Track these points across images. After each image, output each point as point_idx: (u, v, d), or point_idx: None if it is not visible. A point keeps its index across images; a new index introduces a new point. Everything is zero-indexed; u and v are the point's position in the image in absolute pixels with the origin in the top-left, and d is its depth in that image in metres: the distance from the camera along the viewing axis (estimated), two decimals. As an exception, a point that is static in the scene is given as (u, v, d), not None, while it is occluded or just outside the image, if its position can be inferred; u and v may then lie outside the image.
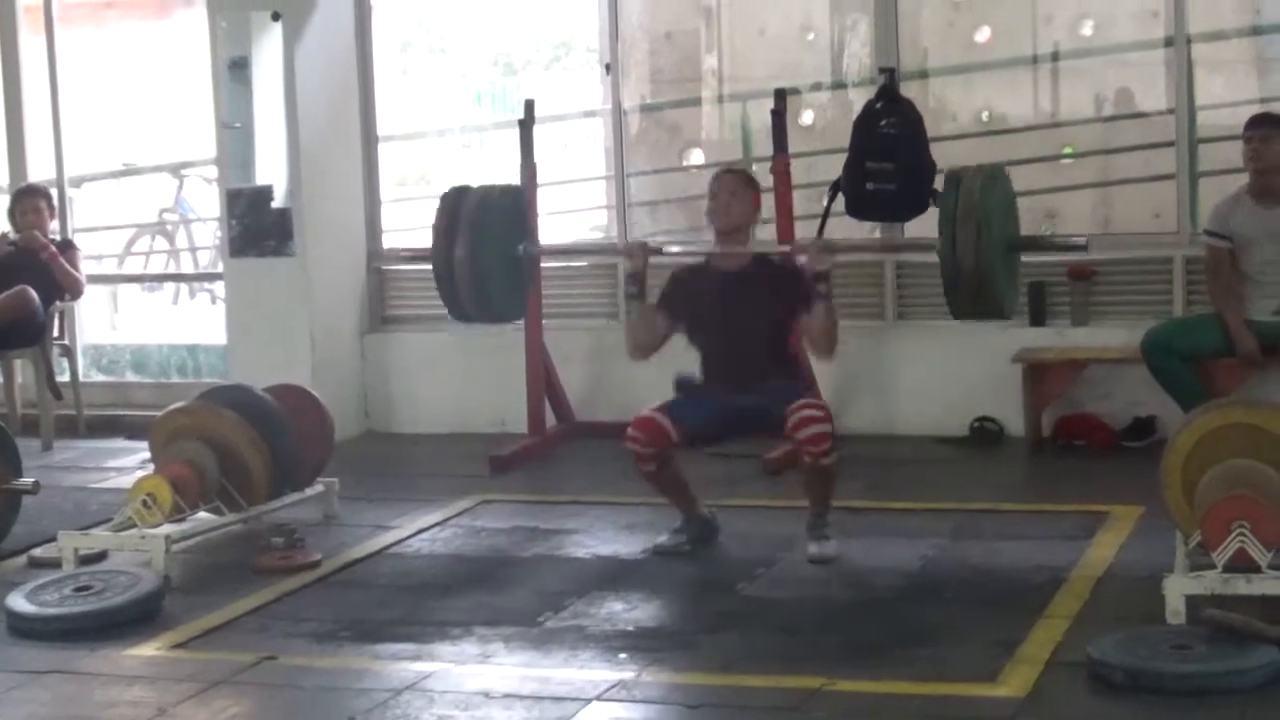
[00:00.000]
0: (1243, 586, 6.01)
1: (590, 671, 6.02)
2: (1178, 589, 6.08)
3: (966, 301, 6.96)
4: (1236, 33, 10.48)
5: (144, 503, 7.38)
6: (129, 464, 9.63)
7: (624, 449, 7.29)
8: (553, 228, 10.63)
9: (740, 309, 7.30)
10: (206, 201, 13.96)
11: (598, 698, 5.74)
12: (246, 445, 7.74)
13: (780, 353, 7.40)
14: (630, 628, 6.50)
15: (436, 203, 7.74)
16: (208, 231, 14.50)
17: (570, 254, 10.55)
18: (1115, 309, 9.50)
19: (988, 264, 6.80)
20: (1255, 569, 6.01)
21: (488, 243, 7.64)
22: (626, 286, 7.60)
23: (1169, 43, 9.66)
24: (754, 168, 10.31)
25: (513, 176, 9.41)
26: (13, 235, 10.44)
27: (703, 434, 7.41)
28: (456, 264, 7.60)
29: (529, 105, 9.59)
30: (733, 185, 7.45)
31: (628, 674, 5.97)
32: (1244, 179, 8.84)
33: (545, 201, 9.70)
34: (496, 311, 7.96)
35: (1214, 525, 6.06)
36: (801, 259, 7.30)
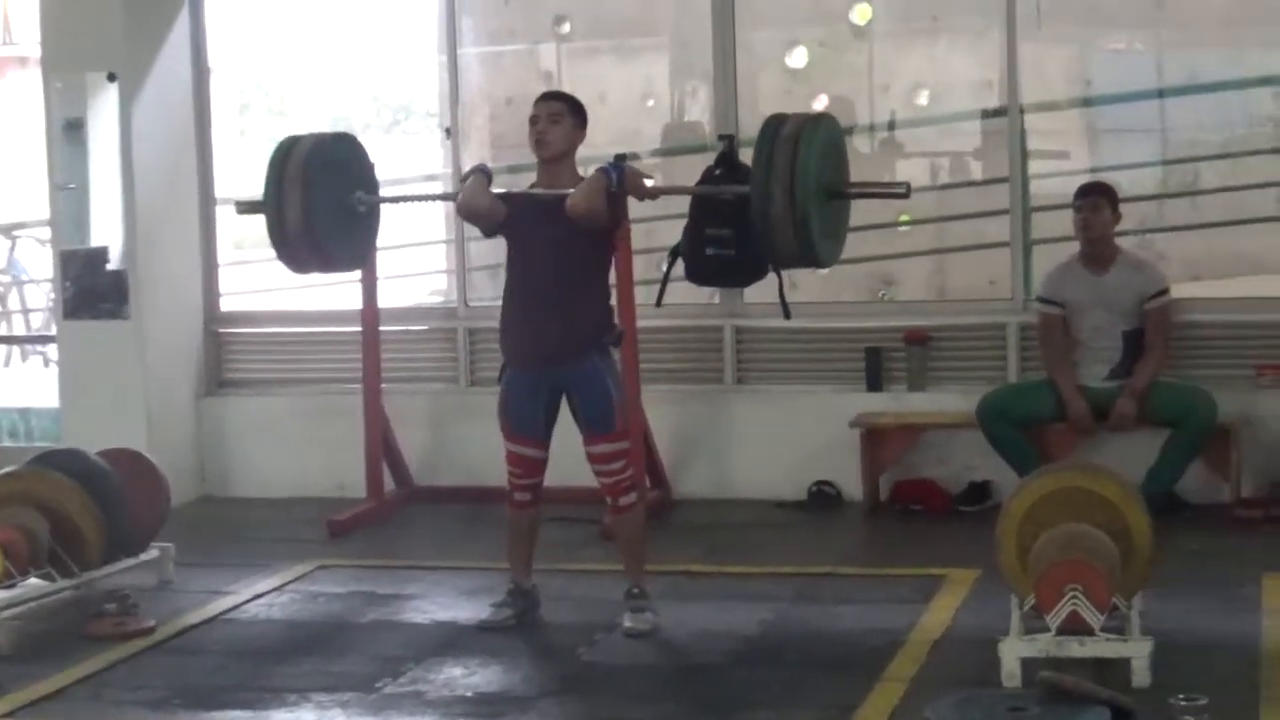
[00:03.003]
0: (1076, 649, 6.10)
1: (429, 738, 5.99)
2: (1013, 652, 6.16)
3: (777, 247, 6.94)
4: (1068, 103, 10.69)
5: (-27, 569, 7.26)
6: (-42, 529, 9.45)
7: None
8: (393, 292, 10.59)
9: (552, 225, 7.12)
10: (40, 263, 13.82)
11: (437, 764, 5.72)
12: (79, 510, 7.64)
13: (587, 281, 7.23)
14: (469, 693, 6.47)
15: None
16: (41, 293, 14.34)
17: (408, 317, 10.53)
18: (951, 374, 9.60)
19: (802, 208, 6.78)
20: (1088, 632, 6.10)
21: (320, 192, 7.60)
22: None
23: (1003, 112, 9.82)
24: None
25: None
26: None
27: (549, 424, 7.29)
28: (287, 213, 7.58)
29: (369, 168, 9.56)
30: (552, 110, 7.24)
31: (467, 740, 5.95)
32: (1076, 247, 9.01)
33: (385, 266, 9.67)
34: (332, 261, 7.91)
35: (1048, 589, 6.14)
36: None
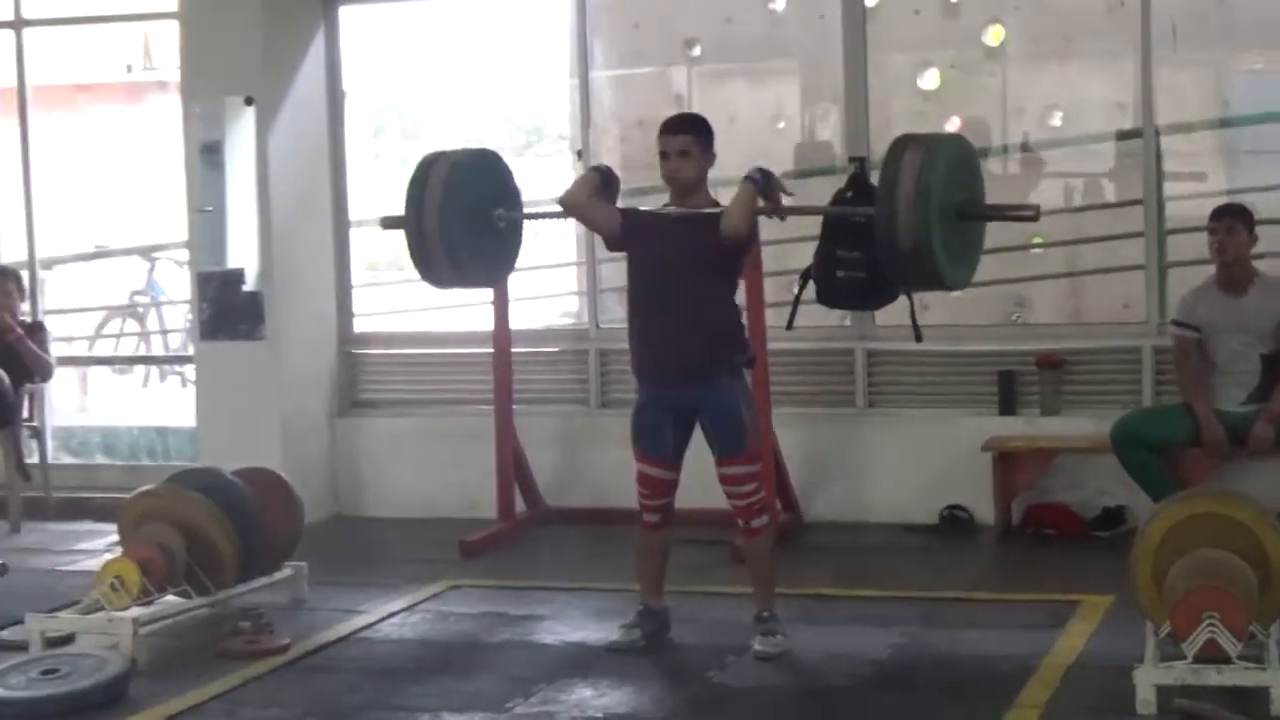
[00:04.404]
0: (1213, 677, 6.01)
1: (559, 759, 6.00)
2: (1148, 679, 6.08)
3: (903, 270, 6.87)
4: (1204, 125, 10.56)
5: (112, 585, 7.34)
6: (97, 546, 9.59)
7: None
8: (524, 313, 10.64)
9: (683, 244, 7.13)
10: (178, 284, 13.98)
11: (567, 785, 5.72)
12: (215, 528, 7.71)
13: (715, 301, 7.22)
14: (599, 715, 6.47)
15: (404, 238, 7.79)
16: (179, 314, 14.51)
17: (539, 339, 10.57)
18: (1085, 398, 9.52)
19: (925, 230, 6.71)
20: (1225, 660, 6.01)
21: (460, 208, 7.61)
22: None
23: (1138, 134, 9.72)
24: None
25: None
26: (-19, 317, 10.39)
27: (680, 449, 7.28)
28: (427, 229, 7.59)
29: (501, 191, 9.58)
30: (679, 146, 7.19)
31: (597, 761, 5.95)
32: (1213, 269, 8.89)
33: (517, 288, 9.71)
34: (471, 277, 7.93)
35: (1184, 615, 6.06)
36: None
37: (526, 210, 8.13)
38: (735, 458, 7.16)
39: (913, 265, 6.83)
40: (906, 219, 6.73)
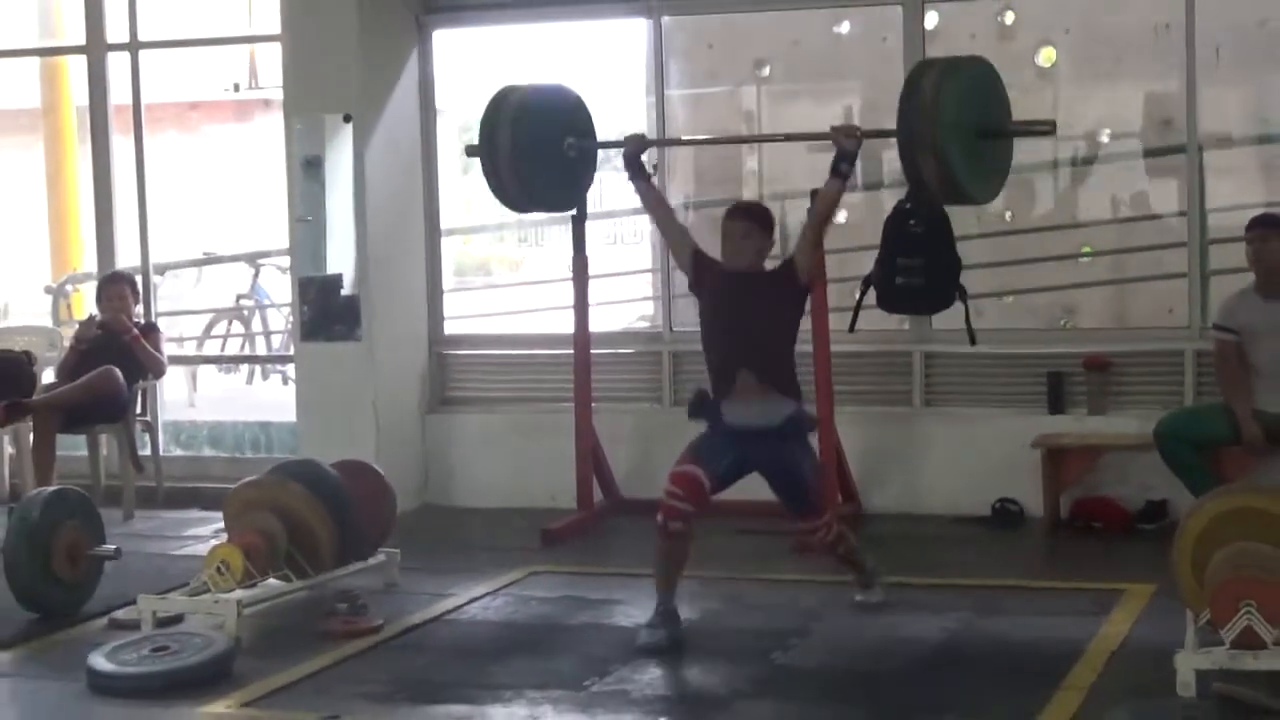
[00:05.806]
0: (1250, 662, 5.98)
1: (633, 734, 6.01)
2: (1188, 664, 6.06)
3: (929, 187, 6.79)
4: (1245, 140, 10.50)
5: (218, 569, 7.40)
6: (205, 533, 9.66)
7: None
8: (603, 317, 10.66)
9: (754, 290, 7.16)
10: (280, 289, 14.08)
11: (639, 758, 5.74)
12: (314, 517, 7.76)
13: (782, 350, 7.19)
14: (670, 693, 6.49)
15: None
16: (281, 317, 14.62)
17: (617, 341, 10.59)
18: (1130, 398, 9.47)
19: (943, 147, 6.62)
20: (1261, 645, 5.97)
21: (529, 135, 7.56)
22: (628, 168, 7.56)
23: (1182, 149, 9.67)
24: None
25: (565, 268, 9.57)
26: (99, 318, 10.49)
27: (725, 481, 7.21)
28: (499, 154, 7.56)
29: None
30: (744, 229, 7.18)
31: (668, 736, 5.96)
32: (1252, 276, 8.82)
33: (595, 292, 9.74)
34: (541, 200, 7.89)
35: (1222, 604, 6.03)
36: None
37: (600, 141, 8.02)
38: (801, 516, 7.20)
39: (933, 177, 6.73)
40: (924, 131, 6.63)
